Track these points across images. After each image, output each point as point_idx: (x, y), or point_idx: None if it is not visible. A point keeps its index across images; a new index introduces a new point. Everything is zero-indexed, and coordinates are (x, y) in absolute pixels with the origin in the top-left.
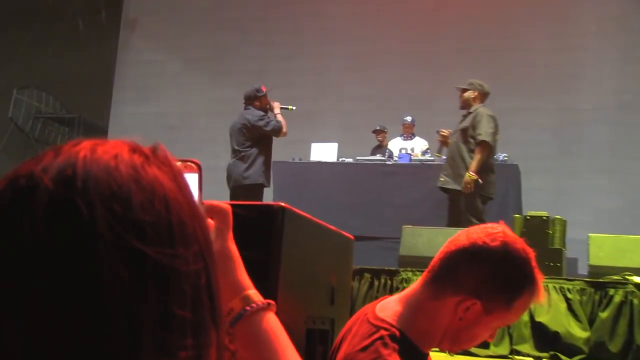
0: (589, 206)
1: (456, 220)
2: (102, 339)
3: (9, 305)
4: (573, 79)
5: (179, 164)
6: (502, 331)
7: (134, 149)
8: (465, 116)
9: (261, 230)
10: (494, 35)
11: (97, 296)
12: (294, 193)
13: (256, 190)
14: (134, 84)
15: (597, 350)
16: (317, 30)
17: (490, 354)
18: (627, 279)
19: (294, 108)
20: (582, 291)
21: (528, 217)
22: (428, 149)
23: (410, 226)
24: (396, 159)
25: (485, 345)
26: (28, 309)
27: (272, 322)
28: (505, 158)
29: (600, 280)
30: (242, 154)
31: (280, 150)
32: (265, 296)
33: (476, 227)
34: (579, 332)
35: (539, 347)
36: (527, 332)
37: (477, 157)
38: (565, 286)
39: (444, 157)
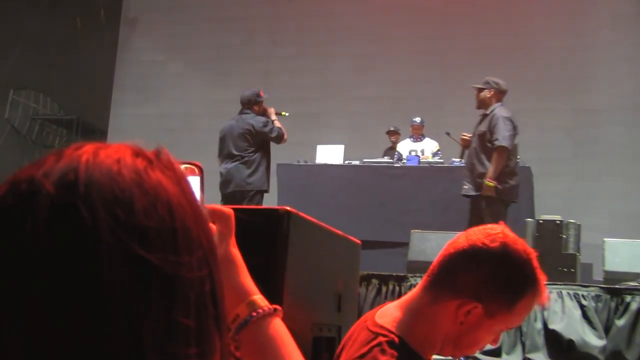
0: (604, 210)
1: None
2: (105, 348)
3: (10, 310)
4: (588, 78)
5: (181, 167)
6: (515, 339)
7: (137, 153)
8: (482, 118)
9: (266, 235)
10: (506, 33)
11: (100, 304)
12: (299, 197)
13: (259, 197)
14: (134, 85)
15: None
16: (323, 29)
17: None
18: None
19: (287, 114)
20: (597, 298)
21: (541, 221)
22: (439, 150)
23: (418, 230)
24: (404, 161)
25: (497, 353)
26: (29, 316)
27: (278, 328)
28: (518, 160)
29: (617, 286)
30: (246, 159)
31: (285, 153)
32: (271, 303)
33: (475, 228)
34: (594, 341)
35: (553, 355)
36: (540, 340)
37: (495, 163)
38: (579, 292)
39: (464, 161)
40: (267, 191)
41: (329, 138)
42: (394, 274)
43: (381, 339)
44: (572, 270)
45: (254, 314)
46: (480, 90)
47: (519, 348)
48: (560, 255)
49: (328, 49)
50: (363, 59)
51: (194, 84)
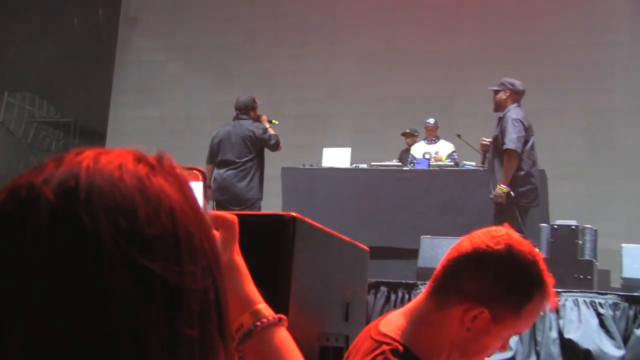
0: (621, 214)
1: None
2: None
3: (10, 310)
4: (604, 77)
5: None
6: (529, 348)
7: (139, 159)
8: (498, 121)
9: (271, 242)
10: (518, 30)
11: (102, 315)
12: (304, 201)
13: (259, 204)
14: (133, 86)
15: None
16: (328, 28)
17: None
18: None
19: (277, 122)
20: (615, 306)
21: (556, 227)
22: (454, 151)
23: (429, 236)
24: (413, 164)
25: None
26: (30, 325)
27: (283, 337)
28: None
29: (635, 294)
30: (244, 166)
31: (289, 156)
32: (276, 312)
33: (479, 231)
34: (612, 350)
35: None
36: (555, 350)
37: (504, 167)
38: (596, 300)
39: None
40: (261, 199)
41: (335, 141)
42: (404, 282)
43: (385, 347)
44: (589, 277)
45: (258, 323)
46: (497, 92)
47: (533, 358)
48: (576, 261)
49: (333, 48)
50: (369, 58)
51: (195, 84)
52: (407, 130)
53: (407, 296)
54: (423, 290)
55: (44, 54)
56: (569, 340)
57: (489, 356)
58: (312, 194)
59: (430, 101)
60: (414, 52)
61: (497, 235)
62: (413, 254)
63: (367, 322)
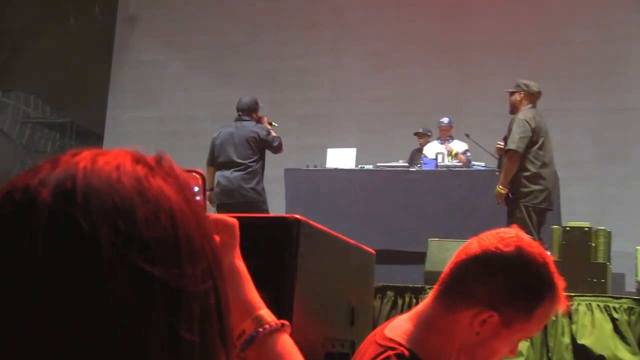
0: (636, 215)
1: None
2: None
3: (10, 310)
4: (617, 74)
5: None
6: (541, 354)
7: (138, 160)
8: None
9: (274, 245)
10: (528, 27)
11: (102, 320)
12: (308, 203)
13: (265, 207)
14: (132, 86)
15: None
16: (333, 25)
17: None
18: None
19: (277, 125)
20: (630, 310)
21: (568, 229)
22: (467, 150)
23: (436, 239)
24: (420, 164)
25: None
26: (30, 332)
27: (286, 344)
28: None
29: None
30: (250, 168)
31: (293, 157)
32: (280, 317)
33: (488, 232)
34: (627, 356)
35: None
36: (568, 355)
37: (504, 167)
38: (610, 305)
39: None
40: (265, 201)
41: (340, 141)
42: (411, 286)
43: (390, 352)
44: (602, 280)
45: (261, 329)
46: (512, 93)
47: None
48: (589, 264)
49: (338, 46)
50: (376, 56)
51: (196, 85)
52: (420, 130)
53: (414, 301)
54: (430, 294)
55: (39, 53)
56: (582, 346)
57: None
58: (316, 196)
59: (438, 100)
60: (421, 49)
61: (506, 237)
62: (420, 257)
63: (374, 327)
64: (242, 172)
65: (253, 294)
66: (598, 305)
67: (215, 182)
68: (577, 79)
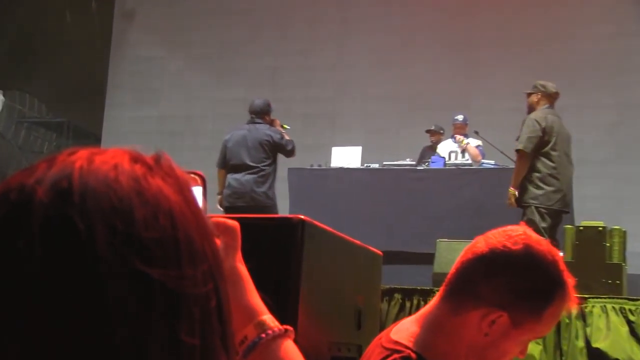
0: None
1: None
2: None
3: (10, 310)
4: (632, 69)
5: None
6: (554, 359)
7: (136, 159)
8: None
9: (278, 247)
10: (538, 20)
11: (101, 322)
12: (313, 204)
13: (275, 211)
14: (130, 84)
15: None
16: (337, 21)
17: None
18: None
19: (289, 127)
20: None
21: (581, 228)
22: (480, 145)
23: (445, 240)
24: (427, 163)
25: None
26: (26, 338)
27: (290, 350)
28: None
29: None
30: (263, 172)
31: (297, 156)
32: (284, 321)
33: (495, 231)
34: None
35: None
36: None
37: (515, 168)
38: (626, 307)
39: None
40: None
41: (345, 140)
42: (419, 288)
43: (395, 355)
44: (618, 282)
45: (263, 335)
46: (529, 95)
47: None
48: (603, 265)
49: (342, 42)
50: (381, 52)
51: (196, 82)
52: (432, 128)
53: (422, 303)
54: (436, 295)
55: (34, 50)
56: (597, 349)
57: None
58: (321, 196)
59: (446, 97)
60: (428, 45)
61: (514, 234)
62: (428, 258)
63: (380, 331)
64: (255, 176)
65: (255, 299)
66: (613, 308)
67: (226, 184)
68: (590, 74)
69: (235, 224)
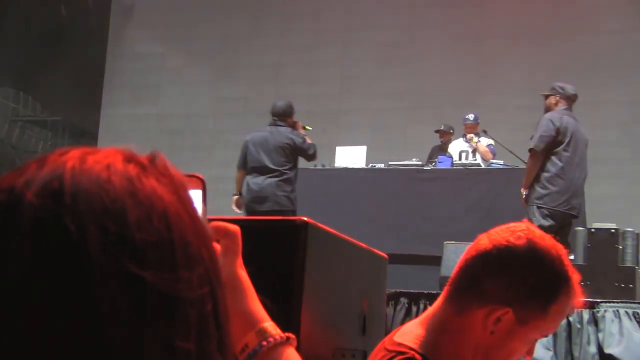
0: None
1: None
2: None
3: (10, 310)
4: None
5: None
6: None
7: (129, 158)
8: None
9: (280, 249)
10: (550, 14)
11: (92, 329)
12: (317, 205)
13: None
14: (128, 82)
15: None
16: (342, 14)
17: None
18: None
19: (311, 129)
20: None
21: (593, 230)
22: (491, 144)
23: (453, 242)
24: (434, 163)
25: None
26: (29, 317)
27: (291, 358)
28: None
29: None
30: (285, 176)
31: None
32: (287, 325)
33: (498, 228)
34: None
35: None
36: None
37: (526, 167)
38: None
39: None
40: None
41: (350, 139)
42: (425, 292)
43: (399, 357)
44: (631, 285)
45: (264, 343)
46: (547, 96)
47: None
48: (616, 268)
49: (348, 37)
50: (388, 47)
51: (196, 79)
52: (442, 128)
53: (429, 307)
54: (440, 296)
55: (28, 46)
56: (610, 355)
57: None
58: (325, 197)
59: (454, 94)
60: (436, 40)
61: (516, 230)
62: (436, 261)
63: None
64: (276, 179)
65: (256, 306)
66: (626, 312)
67: (246, 188)
68: (604, 69)
69: (236, 228)
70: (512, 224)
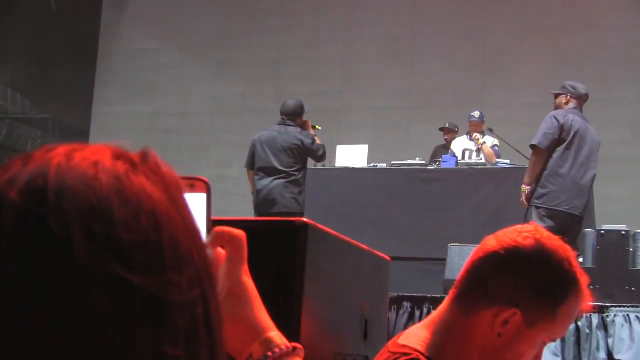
0: None
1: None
2: None
3: (9, 310)
4: None
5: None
6: None
7: (118, 155)
8: None
9: (280, 252)
10: (558, 9)
11: (76, 333)
12: (317, 206)
13: None
14: (121, 78)
15: None
16: (344, 10)
17: None
18: None
19: (320, 128)
20: None
21: (603, 232)
22: (496, 145)
23: (457, 244)
24: (438, 162)
25: None
26: (29, 316)
27: None
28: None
29: None
30: (293, 177)
31: None
32: (286, 330)
33: (506, 229)
34: None
35: None
36: None
37: (529, 164)
38: None
39: None
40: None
41: (351, 137)
42: (429, 296)
43: (404, 358)
44: None
45: (270, 353)
46: (557, 95)
47: None
48: (626, 271)
49: (349, 33)
50: (391, 43)
51: (192, 76)
52: (446, 126)
53: (433, 312)
54: (446, 298)
55: (17, 42)
56: None
57: None
58: (326, 197)
59: (459, 92)
60: (441, 35)
61: (524, 230)
62: (440, 264)
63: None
64: (284, 181)
65: (262, 314)
66: (637, 317)
67: (257, 191)
68: (613, 66)
69: (241, 233)
70: (519, 226)
